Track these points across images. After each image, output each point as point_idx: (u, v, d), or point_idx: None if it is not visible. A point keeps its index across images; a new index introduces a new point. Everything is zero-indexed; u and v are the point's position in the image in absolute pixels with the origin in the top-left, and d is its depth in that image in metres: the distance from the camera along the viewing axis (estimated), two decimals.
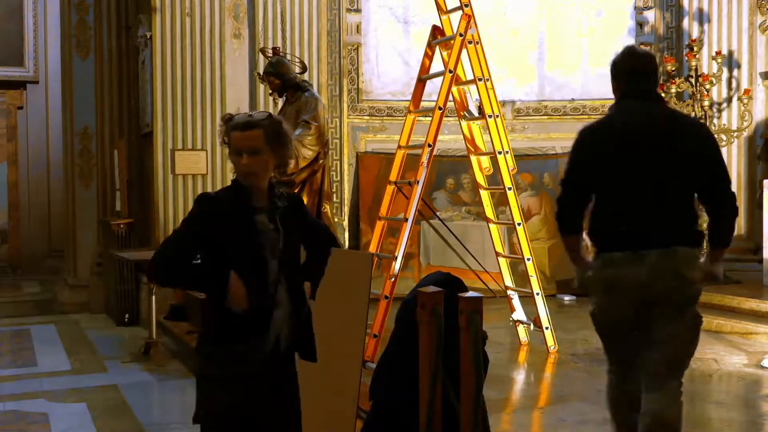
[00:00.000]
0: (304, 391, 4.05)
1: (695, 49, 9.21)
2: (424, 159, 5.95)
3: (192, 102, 9.10)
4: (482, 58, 6.36)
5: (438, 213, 8.48)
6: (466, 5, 6.20)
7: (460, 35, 6.12)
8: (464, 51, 6.24)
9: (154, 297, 7.25)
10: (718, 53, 9.19)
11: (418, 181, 5.95)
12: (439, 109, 6.01)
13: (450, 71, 6.10)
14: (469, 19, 6.15)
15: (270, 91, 6.96)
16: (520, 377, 6.08)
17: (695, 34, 9.64)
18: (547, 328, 6.37)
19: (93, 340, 8.29)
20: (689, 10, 9.76)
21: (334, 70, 9.75)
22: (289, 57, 7.47)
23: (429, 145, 5.97)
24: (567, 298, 9.26)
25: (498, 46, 10.13)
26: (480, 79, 6.34)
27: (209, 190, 9.11)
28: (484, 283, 6.53)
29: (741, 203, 9.55)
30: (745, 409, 5.08)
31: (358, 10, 9.92)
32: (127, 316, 9.06)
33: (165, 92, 9.04)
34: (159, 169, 9.00)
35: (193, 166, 9.08)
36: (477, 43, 6.32)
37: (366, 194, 9.63)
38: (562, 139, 10.08)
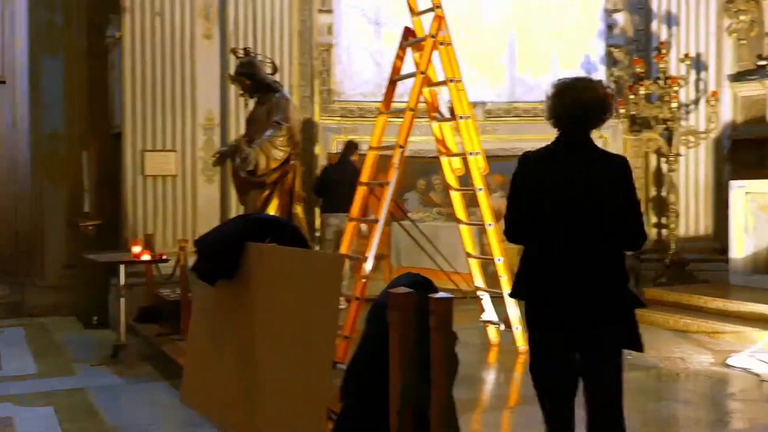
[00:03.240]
0: (274, 394, 4.04)
1: (663, 51, 9.32)
2: (396, 160, 5.96)
3: (162, 103, 9.03)
4: (453, 59, 6.39)
5: (409, 214, 8.48)
6: (438, 7, 6.22)
7: (432, 37, 6.15)
8: (435, 52, 6.25)
9: (123, 299, 7.19)
10: (686, 56, 9.30)
11: (389, 182, 5.95)
12: (411, 110, 6.03)
13: (422, 72, 6.12)
14: (440, 20, 6.18)
15: (241, 92, 6.93)
16: (490, 377, 6.10)
17: (664, 37, 9.74)
18: (517, 328, 6.40)
19: (61, 343, 8.21)
20: (658, 13, 9.86)
21: (305, 71, 9.73)
22: (260, 58, 7.45)
23: (400, 146, 5.98)
24: None
25: (469, 47, 10.17)
26: (451, 81, 6.36)
27: (179, 191, 9.07)
28: (455, 283, 6.56)
29: (708, 204, 9.69)
30: (711, 407, 5.15)
31: (329, 11, 9.91)
32: (95, 318, 8.98)
33: (135, 93, 8.97)
34: (129, 170, 8.93)
35: (163, 167, 9.02)
36: (448, 44, 6.35)
37: None
38: (533, 140, 9.98)
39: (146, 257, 7.45)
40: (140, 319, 8.02)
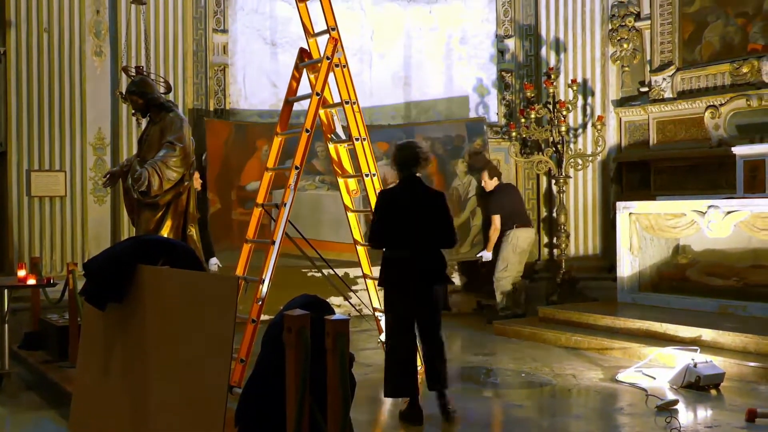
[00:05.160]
0: (167, 420, 3.94)
1: (552, 76, 9.62)
2: (291, 182, 5.91)
3: (50, 121, 8.76)
4: (349, 81, 6.39)
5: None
6: (333, 29, 6.23)
7: (327, 58, 6.14)
8: (331, 74, 6.27)
9: (6, 325, 6.88)
10: (574, 81, 9.62)
11: (285, 204, 5.91)
12: (307, 131, 6.00)
13: (317, 94, 6.11)
14: (336, 42, 6.19)
15: (133, 111, 6.78)
16: (387, 398, 6.10)
17: (552, 63, 10.07)
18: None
19: None
20: (547, 40, 10.19)
21: (200, 90, 9.61)
22: (153, 76, 7.31)
23: (296, 168, 5.94)
24: None
25: (366, 69, 10.26)
26: (347, 102, 6.36)
27: (68, 212, 8.79)
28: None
29: (596, 224, 10.02)
30: (601, 421, 5.29)
31: (225, 31, 9.83)
32: None
33: (21, 110, 8.68)
34: (13, 190, 8.62)
35: (50, 187, 8.73)
36: (344, 66, 6.36)
37: (214, 161, 9.12)
38: None
39: (32, 281, 7.16)
40: (26, 346, 7.69)
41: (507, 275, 9.00)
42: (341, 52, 6.30)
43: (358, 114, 6.39)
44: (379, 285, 5.43)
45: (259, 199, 6.30)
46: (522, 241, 9.05)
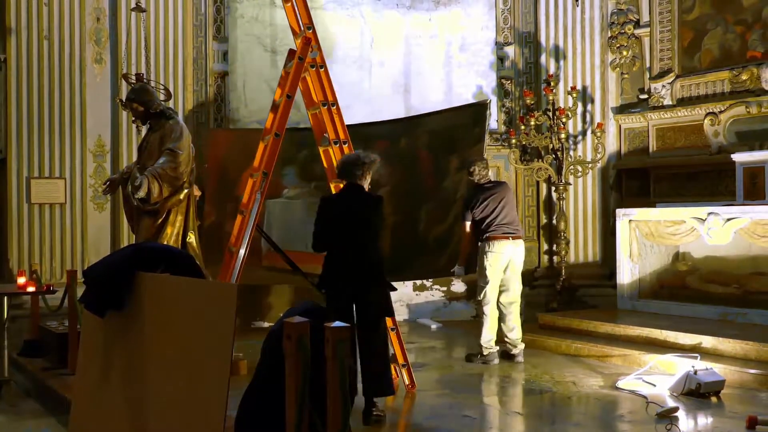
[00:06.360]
0: (169, 426, 3.93)
1: (552, 84, 9.63)
2: (258, 188, 5.69)
3: (50, 128, 8.77)
4: (326, 82, 6.08)
5: (286, 191, 8.07)
6: (309, 27, 5.94)
7: (300, 59, 5.85)
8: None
9: (6, 333, 6.87)
10: (573, 88, 9.63)
11: (251, 211, 5.69)
12: (276, 135, 5.73)
13: (288, 96, 5.81)
14: (309, 41, 5.90)
15: (133, 118, 6.78)
16: (387, 406, 6.09)
17: (552, 70, 10.08)
18: (404, 365, 6.14)
19: None
20: (546, 47, 10.20)
21: (200, 97, 9.62)
22: (153, 84, 7.32)
23: (264, 173, 5.67)
24: (434, 325, 9.41)
25: (366, 77, 10.27)
26: (324, 104, 6.07)
27: (68, 219, 8.79)
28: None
29: (596, 231, 10.00)
30: (602, 429, 5.27)
31: (224, 39, 9.84)
32: None
33: (21, 117, 8.69)
34: (13, 197, 8.63)
35: (50, 194, 8.74)
36: (320, 66, 6.04)
37: (212, 173, 8.76)
38: None
39: (31, 288, 7.15)
40: (25, 353, 7.68)
41: (488, 303, 7.16)
42: (317, 51, 5.99)
43: (337, 116, 6.11)
44: (318, 286, 5.41)
45: (243, 206, 6.08)
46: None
